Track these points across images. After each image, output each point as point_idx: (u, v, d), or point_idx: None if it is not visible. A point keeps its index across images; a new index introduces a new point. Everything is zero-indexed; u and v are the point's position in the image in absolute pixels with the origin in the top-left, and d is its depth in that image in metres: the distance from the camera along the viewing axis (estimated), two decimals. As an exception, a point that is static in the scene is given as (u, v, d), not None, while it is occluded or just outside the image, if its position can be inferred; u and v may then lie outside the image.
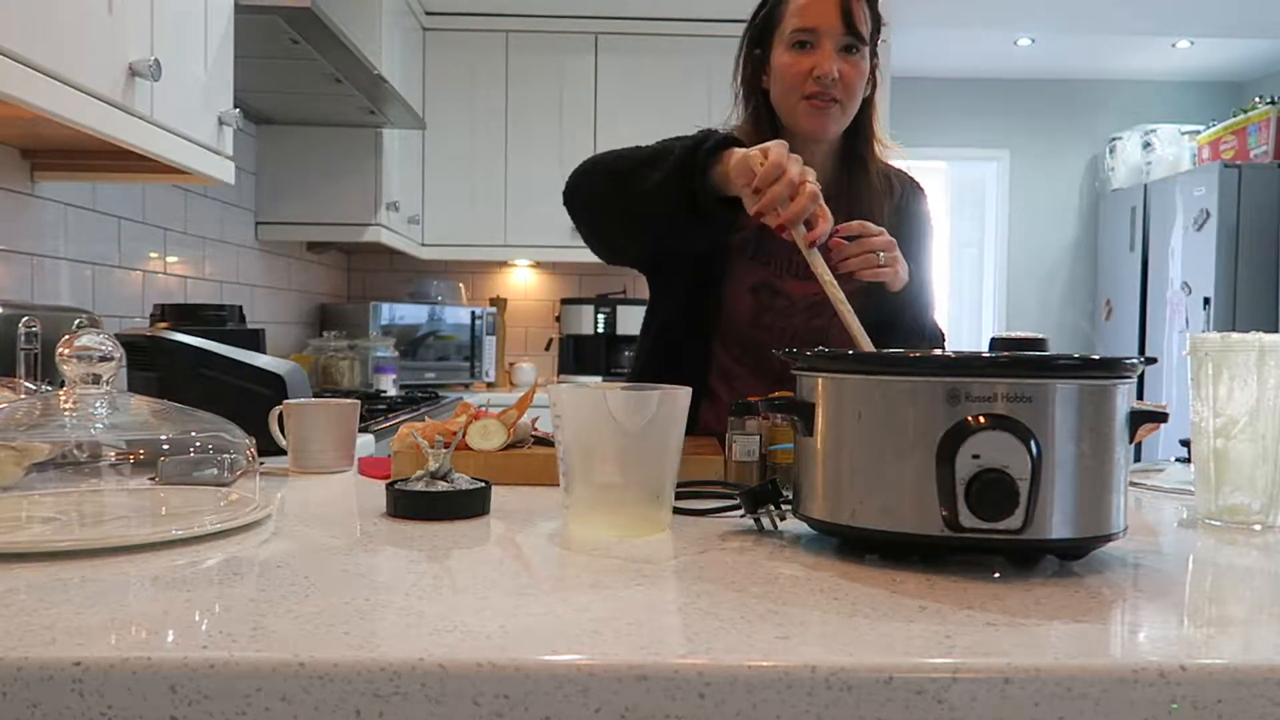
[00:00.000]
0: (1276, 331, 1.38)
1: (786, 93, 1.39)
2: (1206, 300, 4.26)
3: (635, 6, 3.84)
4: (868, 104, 1.44)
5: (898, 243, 1.30)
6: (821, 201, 1.11)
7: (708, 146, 1.18)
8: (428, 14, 3.80)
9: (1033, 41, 4.58)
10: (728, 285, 1.43)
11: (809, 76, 1.36)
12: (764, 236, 1.42)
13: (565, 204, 1.40)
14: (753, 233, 1.41)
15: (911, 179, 1.56)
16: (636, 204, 1.27)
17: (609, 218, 1.36)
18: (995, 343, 1.57)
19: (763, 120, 1.43)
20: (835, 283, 1.10)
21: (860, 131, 1.45)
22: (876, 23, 1.40)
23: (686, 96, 3.83)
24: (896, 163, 1.52)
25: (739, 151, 1.15)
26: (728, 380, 1.46)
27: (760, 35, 1.45)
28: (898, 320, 1.39)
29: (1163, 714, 0.56)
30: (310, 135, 3.28)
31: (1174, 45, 4.59)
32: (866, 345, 1.06)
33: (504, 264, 4.27)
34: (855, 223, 1.28)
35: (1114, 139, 5.05)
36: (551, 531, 0.92)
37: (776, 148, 1.11)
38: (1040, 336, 1.48)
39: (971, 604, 0.69)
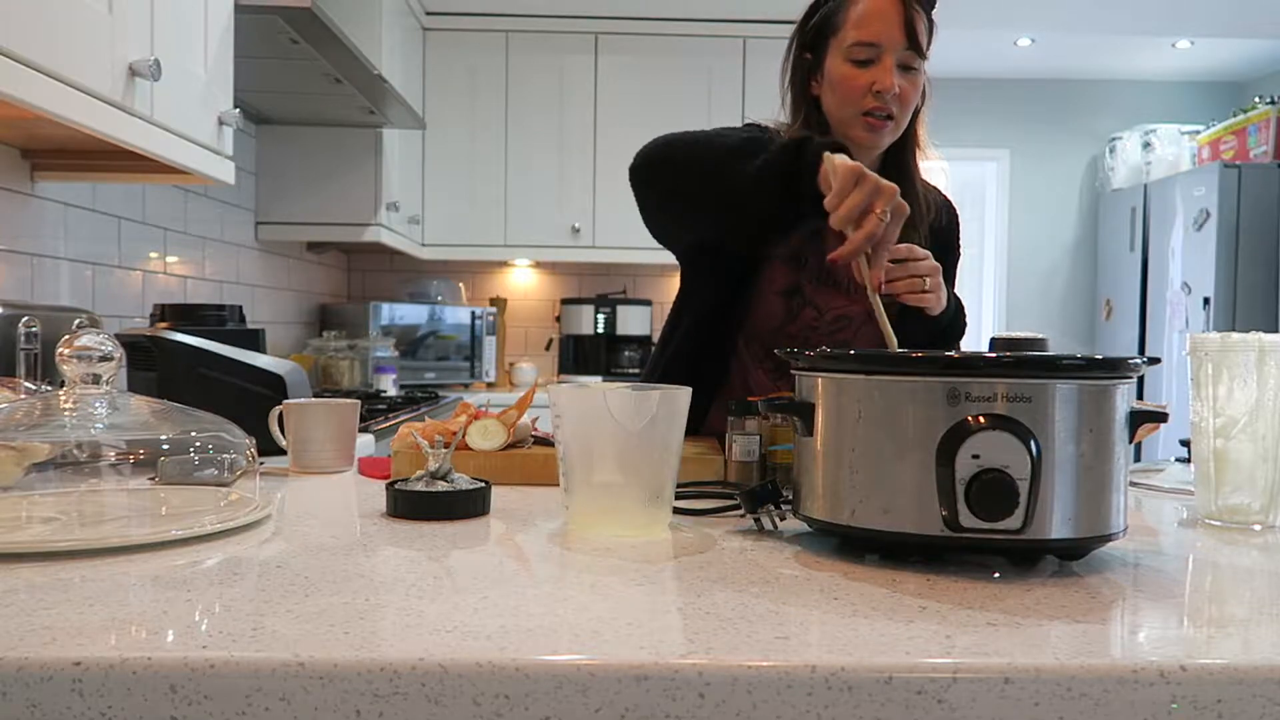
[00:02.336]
0: (1276, 331, 1.38)
1: (842, 104, 1.36)
2: (1206, 300, 4.26)
3: (635, 6, 3.84)
4: (916, 114, 1.41)
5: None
6: (888, 245, 1.08)
7: (814, 148, 1.14)
8: (428, 14, 3.80)
9: (1033, 41, 4.58)
10: (759, 286, 1.42)
11: (868, 91, 1.33)
12: (804, 245, 1.42)
13: (633, 180, 1.34)
14: (794, 242, 1.41)
15: (948, 201, 1.56)
16: (726, 193, 1.22)
17: (687, 202, 1.30)
18: (995, 343, 1.58)
19: (813, 128, 1.40)
20: (891, 333, 1.09)
21: (906, 142, 1.43)
22: (932, 33, 1.37)
23: (686, 96, 3.83)
24: (931, 165, 1.51)
25: (837, 158, 1.11)
26: (746, 382, 1.46)
27: (814, 40, 1.40)
28: (924, 342, 1.40)
29: (1163, 714, 0.56)
30: (310, 135, 3.28)
31: (1174, 45, 4.59)
32: None
33: (504, 264, 4.27)
34: (903, 246, 1.27)
35: (1114, 139, 5.05)
36: (551, 531, 0.92)
37: (846, 174, 1.07)
38: (1040, 336, 1.48)
39: (971, 604, 0.69)
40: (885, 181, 1.04)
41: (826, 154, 1.11)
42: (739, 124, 1.49)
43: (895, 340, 1.09)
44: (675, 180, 1.30)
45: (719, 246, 1.41)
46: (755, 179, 1.18)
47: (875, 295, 1.07)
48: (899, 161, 1.44)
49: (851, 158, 1.11)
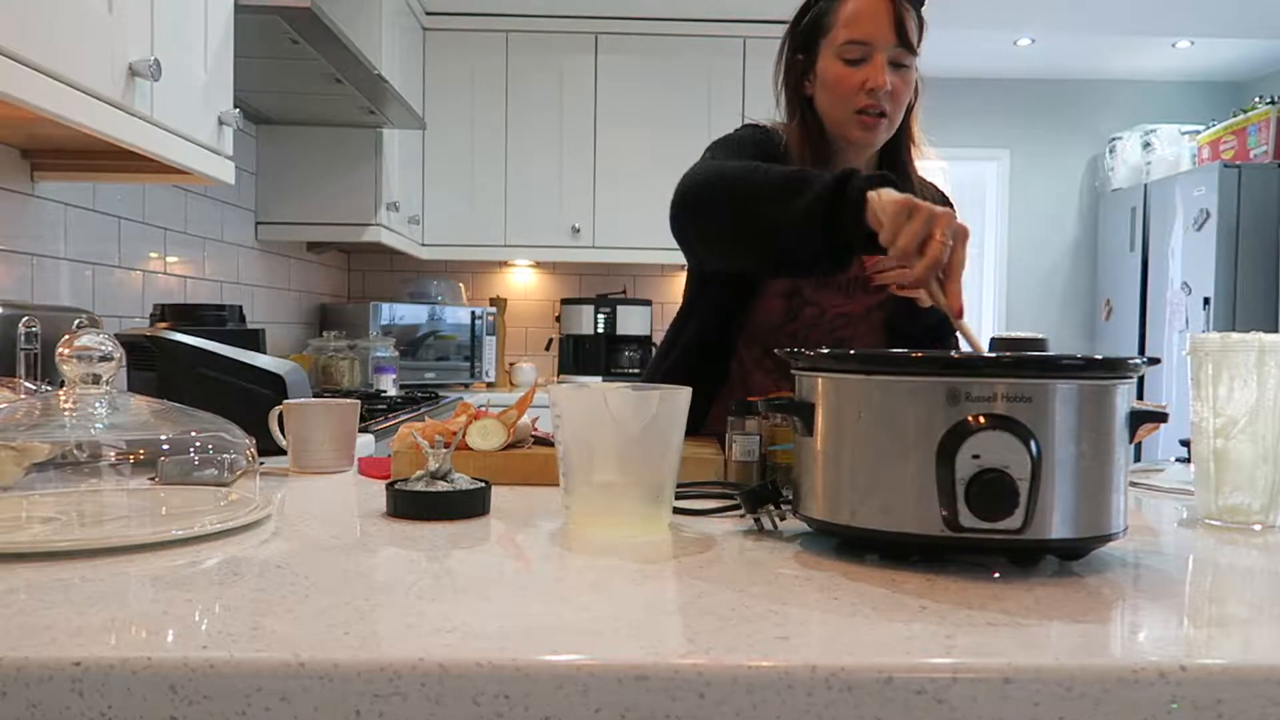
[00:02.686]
0: (1276, 331, 1.38)
1: (836, 104, 1.36)
2: (1206, 300, 4.26)
3: (635, 6, 3.84)
4: (909, 110, 1.42)
5: None
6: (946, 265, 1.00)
7: (856, 185, 1.07)
8: (428, 14, 3.80)
9: (1033, 41, 4.58)
10: (761, 288, 1.42)
11: (860, 90, 1.33)
12: None
13: (675, 217, 1.29)
14: None
15: (945, 198, 1.56)
16: (771, 232, 1.16)
17: (731, 244, 1.26)
18: (995, 342, 1.58)
19: (809, 128, 1.40)
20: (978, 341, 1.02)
21: (901, 138, 1.43)
22: (923, 29, 1.37)
23: (686, 96, 3.83)
24: (929, 164, 1.51)
25: (884, 194, 1.04)
26: (746, 381, 1.46)
27: (805, 40, 1.40)
28: (922, 336, 1.39)
29: (1163, 714, 0.56)
30: (310, 135, 3.28)
31: (1174, 45, 4.59)
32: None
33: (504, 264, 4.27)
34: None
35: (1114, 139, 5.05)
36: (551, 531, 0.92)
37: (895, 210, 1.00)
38: (1040, 336, 1.48)
39: (971, 604, 0.69)
40: (940, 208, 0.99)
41: (871, 194, 1.05)
42: (738, 124, 1.50)
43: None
44: (719, 221, 1.25)
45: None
46: (802, 220, 1.12)
47: (961, 322, 1.00)
48: (894, 158, 1.44)
49: (896, 189, 1.05)
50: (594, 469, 0.90)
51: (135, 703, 0.55)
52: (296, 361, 2.11)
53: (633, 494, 0.90)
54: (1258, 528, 0.99)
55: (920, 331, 1.40)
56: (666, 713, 0.55)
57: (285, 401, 1.26)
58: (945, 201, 1.56)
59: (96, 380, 0.90)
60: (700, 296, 1.49)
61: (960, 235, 0.99)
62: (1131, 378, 0.81)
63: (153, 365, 1.42)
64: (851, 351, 0.84)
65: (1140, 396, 4.50)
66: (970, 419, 0.75)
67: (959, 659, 0.57)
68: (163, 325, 1.86)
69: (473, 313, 3.86)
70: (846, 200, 1.06)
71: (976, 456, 0.75)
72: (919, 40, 1.37)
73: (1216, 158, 4.50)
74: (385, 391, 3.32)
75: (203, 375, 1.39)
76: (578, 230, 3.88)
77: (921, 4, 1.37)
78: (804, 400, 0.86)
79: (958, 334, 1.32)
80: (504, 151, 3.88)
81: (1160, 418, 0.85)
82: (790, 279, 1.42)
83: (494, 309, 4.03)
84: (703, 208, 1.26)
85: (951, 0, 4.23)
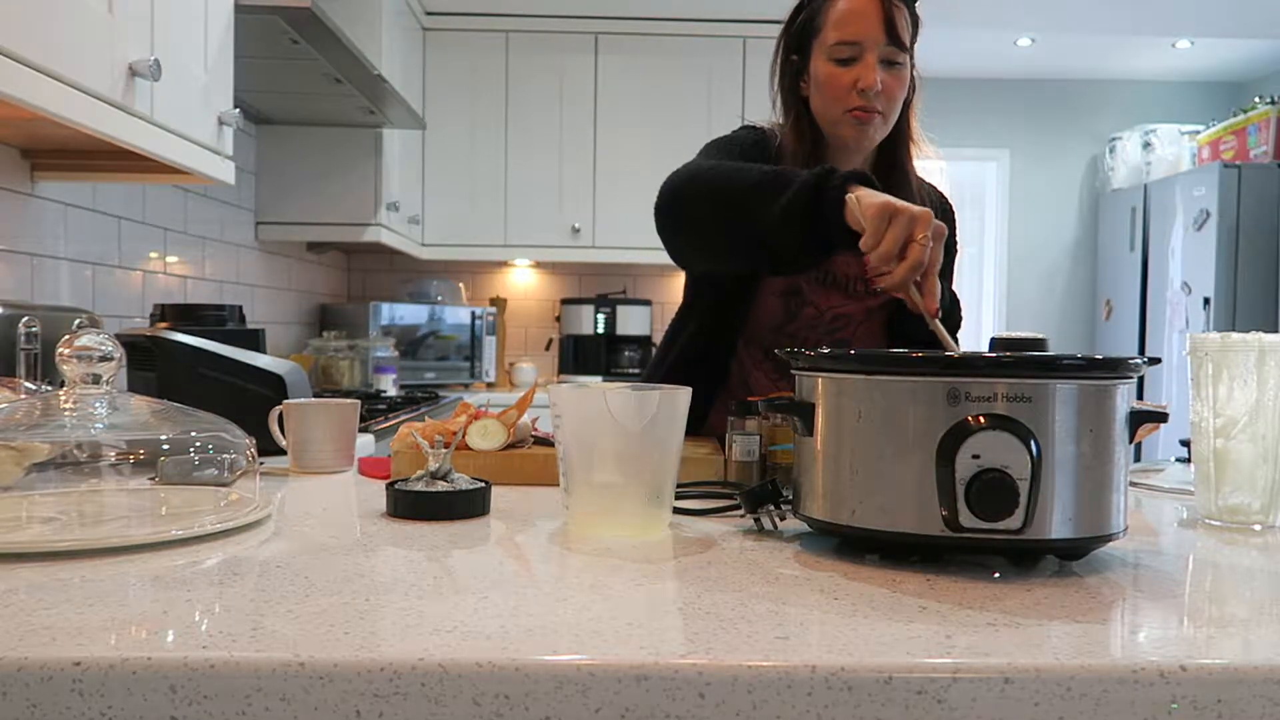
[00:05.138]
0: (1276, 331, 1.38)
1: (828, 104, 1.36)
2: (1206, 300, 4.26)
3: (635, 6, 3.84)
4: (907, 107, 1.41)
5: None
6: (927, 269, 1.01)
7: (835, 184, 1.08)
8: (428, 14, 3.80)
9: (1033, 41, 4.58)
10: (760, 288, 1.43)
11: (852, 89, 1.33)
12: None
13: (658, 218, 1.30)
14: None
15: (944, 198, 1.56)
16: (751, 231, 1.17)
17: (713, 241, 1.26)
18: (995, 343, 1.58)
19: (804, 129, 1.40)
20: (955, 347, 1.04)
21: (899, 136, 1.43)
22: (916, 26, 1.37)
23: (686, 96, 3.83)
24: (928, 164, 1.51)
25: (863, 196, 1.05)
26: (746, 381, 1.46)
27: (798, 42, 1.41)
28: (923, 336, 1.38)
29: (1163, 714, 0.56)
30: (310, 135, 3.28)
31: (1174, 45, 4.59)
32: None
33: (504, 264, 4.27)
34: None
35: (1114, 139, 5.05)
36: (551, 531, 0.92)
37: (876, 214, 1.00)
38: (1040, 336, 1.48)
39: (971, 604, 0.69)
40: (918, 208, 1.00)
41: (850, 196, 1.05)
42: (738, 124, 1.50)
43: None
44: (700, 220, 1.26)
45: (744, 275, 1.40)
46: (781, 219, 1.12)
47: (935, 322, 1.02)
48: (891, 157, 1.44)
49: (874, 187, 1.06)
50: (594, 469, 0.90)
51: (135, 703, 0.55)
52: (296, 361, 2.11)
53: (633, 494, 0.90)
54: (1258, 528, 0.99)
55: (917, 331, 1.40)
56: (666, 713, 0.55)
57: (285, 401, 1.26)
58: (944, 202, 1.56)
59: (96, 380, 0.90)
60: (698, 296, 1.49)
61: (938, 234, 1.00)
62: (1131, 378, 0.81)
63: (153, 365, 1.42)
64: (851, 351, 0.84)
65: (1140, 396, 4.50)
66: (970, 419, 0.75)
67: (959, 659, 0.57)
68: (163, 325, 1.87)
69: (473, 313, 3.86)
70: (825, 198, 1.07)
71: (976, 456, 0.75)
72: (912, 37, 1.36)
73: (1216, 158, 4.50)
74: (385, 391, 3.33)
75: (203, 375, 1.39)
76: (578, 230, 3.88)
77: (914, 1, 1.37)
78: (804, 400, 0.86)
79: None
80: (504, 151, 3.88)
81: (1160, 418, 0.85)
82: (788, 279, 1.42)
83: (494, 309, 4.03)
84: (684, 207, 1.27)
85: (951, 0, 4.23)
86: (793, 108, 1.42)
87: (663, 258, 1.48)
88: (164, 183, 2.33)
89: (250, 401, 1.34)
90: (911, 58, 1.39)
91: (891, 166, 1.43)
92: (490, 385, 3.95)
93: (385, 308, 3.70)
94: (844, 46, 1.34)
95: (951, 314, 1.45)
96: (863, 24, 1.32)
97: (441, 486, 0.97)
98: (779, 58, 1.45)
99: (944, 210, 1.56)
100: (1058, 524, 0.76)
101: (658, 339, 1.57)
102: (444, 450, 1.00)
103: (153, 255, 2.48)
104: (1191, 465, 1.06)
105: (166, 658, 0.55)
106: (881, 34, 1.32)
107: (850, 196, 1.05)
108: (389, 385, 3.39)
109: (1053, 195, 5.26)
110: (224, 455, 0.96)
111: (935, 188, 1.55)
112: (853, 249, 1.05)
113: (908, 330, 1.45)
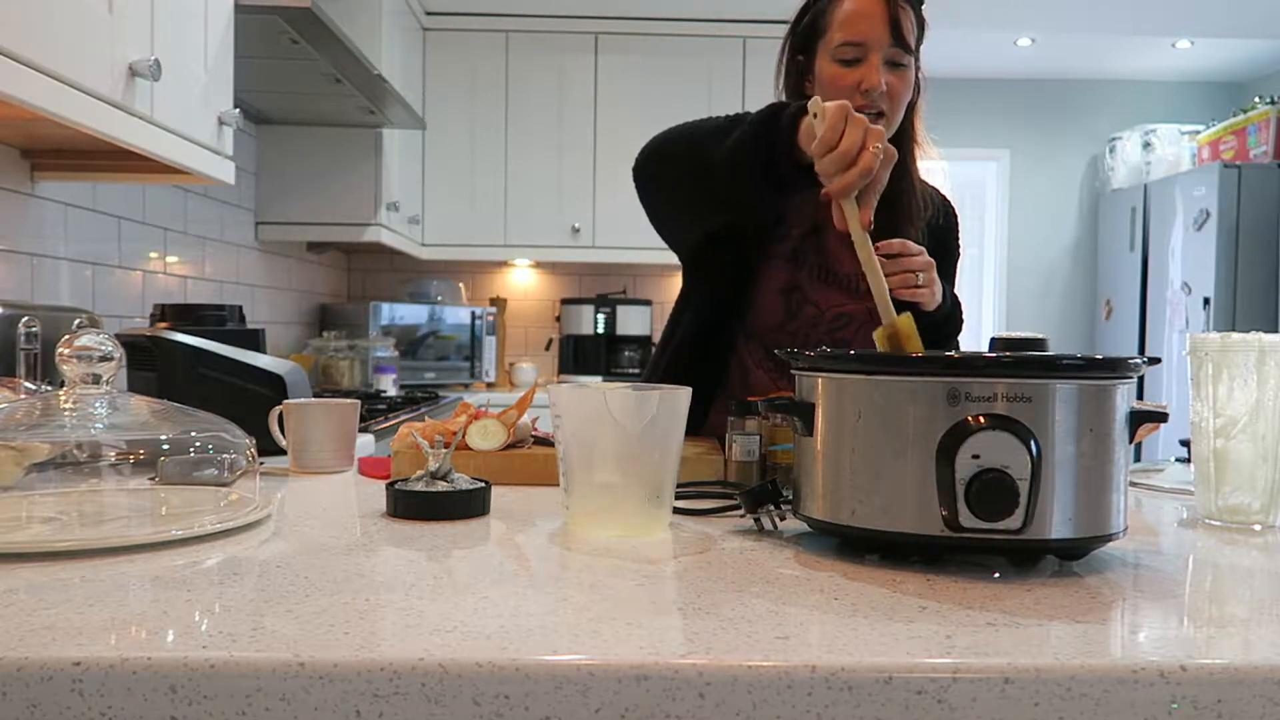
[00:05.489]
0: (1276, 331, 1.38)
1: None
2: (1206, 300, 4.26)
3: (635, 6, 3.84)
4: (911, 108, 1.42)
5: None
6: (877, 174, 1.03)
7: (790, 111, 1.12)
8: (428, 14, 3.80)
9: (1033, 41, 4.58)
10: (759, 285, 1.43)
11: (856, 90, 1.33)
12: (803, 242, 1.43)
13: (636, 180, 1.37)
14: (794, 239, 1.42)
15: (947, 201, 1.56)
16: (711, 167, 1.22)
17: (680, 184, 1.32)
18: (995, 342, 1.58)
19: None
20: (879, 270, 1.03)
21: (903, 137, 1.43)
22: (921, 28, 1.38)
23: (686, 96, 3.83)
24: (930, 164, 1.51)
25: (826, 104, 1.07)
26: (746, 381, 1.46)
27: (804, 42, 1.41)
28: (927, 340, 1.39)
29: (1163, 714, 0.56)
30: (310, 135, 3.28)
31: (1174, 45, 4.59)
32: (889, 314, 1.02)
33: (504, 264, 4.27)
34: (896, 241, 1.28)
35: (1114, 139, 5.05)
36: (551, 531, 0.92)
37: (835, 111, 1.03)
38: (1040, 336, 1.48)
39: (971, 604, 0.69)
40: (873, 125, 1.03)
41: (813, 100, 1.07)
42: None
43: (888, 297, 1.03)
44: (668, 169, 1.32)
45: (727, 239, 1.41)
46: (734, 151, 1.17)
47: (865, 235, 1.02)
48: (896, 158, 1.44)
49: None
50: (594, 469, 0.90)
51: (135, 703, 0.55)
52: (296, 361, 2.11)
53: (633, 494, 0.90)
54: (1258, 528, 0.99)
55: (933, 338, 1.40)
56: (666, 713, 0.55)
57: (285, 401, 1.26)
58: (947, 205, 1.57)
59: (96, 380, 0.90)
60: (693, 290, 1.50)
61: (889, 155, 1.03)
62: (1131, 378, 0.81)
63: (153, 365, 1.42)
64: (851, 351, 0.84)
65: (1140, 396, 4.50)
66: (970, 419, 0.75)
67: (959, 659, 0.57)
68: (163, 325, 1.87)
69: (473, 313, 3.86)
70: (778, 124, 1.11)
71: (976, 456, 0.75)
72: (918, 39, 1.37)
73: (1216, 158, 4.50)
74: (385, 391, 3.33)
75: (203, 375, 1.39)
76: (578, 230, 3.88)
77: (921, 3, 1.38)
78: (804, 400, 0.86)
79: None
80: (504, 151, 3.88)
81: (1160, 418, 0.85)
82: (789, 275, 1.42)
83: (494, 309, 4.03)
84: (656, 165, 1.33)
85: (951, 0, 4.23)
86: None
87: (662, 257, 1.48)
88: (164, 183, 2.33)
89: (250, 401, 1.34)
90: (917, 59, 1.39)
91: (895, 167, 1.43)
92: (490, 385, 3.95)
93: (385, 308, 3.70)
94: (849, 47, 1.34)
95: (953, 316, 1.45)
96: (868, 25, 1.33)
97: (441, 486, 0.97)
98: (784, 58, 1.45)
99: (947, 213, 1.56)
100: (1058, 524, 0.76)
101: (658, 339, 1.58)
102: (444, 450, 1.00)
103: (153, 255, 2.48)
104: (1191, 465, 1.06)
105: (166, 658, 0.55)
106: (886, 35, 1.32)
107: (813, 100, 1.08)
108: (389, 385, 3.39)
109: (1053, 195, 5.26)
110: (224, 455, 0.96)
111: (938, 191, 1.56)
112: (807, 184, 1.09)
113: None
